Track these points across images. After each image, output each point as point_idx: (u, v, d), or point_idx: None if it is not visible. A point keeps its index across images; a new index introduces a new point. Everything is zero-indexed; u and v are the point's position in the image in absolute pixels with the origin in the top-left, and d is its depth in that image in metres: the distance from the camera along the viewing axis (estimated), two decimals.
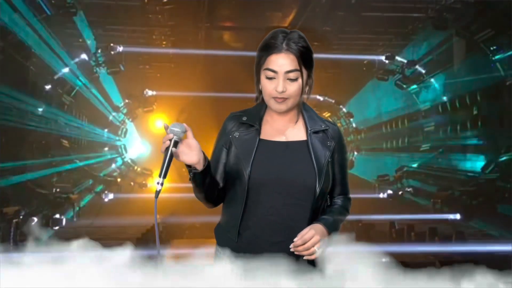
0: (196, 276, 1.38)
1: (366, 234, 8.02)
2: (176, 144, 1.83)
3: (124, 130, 10.07)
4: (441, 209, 8.47)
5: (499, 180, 7.67)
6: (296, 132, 2.06)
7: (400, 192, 9.39)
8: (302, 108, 2.10)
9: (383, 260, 1.54)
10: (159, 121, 10.35)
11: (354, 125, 10.21)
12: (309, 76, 2.03)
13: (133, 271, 1.39)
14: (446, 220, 8.21)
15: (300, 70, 1.98)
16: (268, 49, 1.98)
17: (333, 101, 10.27)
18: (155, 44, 9.20)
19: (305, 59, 2.00)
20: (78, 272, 1.36)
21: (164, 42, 9.22)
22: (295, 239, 1.90)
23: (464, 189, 8.30)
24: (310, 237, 1.89)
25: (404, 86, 9.44)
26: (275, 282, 1.39)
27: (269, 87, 1.98)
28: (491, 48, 7.92)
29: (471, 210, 8.00)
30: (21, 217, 7.09)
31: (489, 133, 8.09)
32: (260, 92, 2.02)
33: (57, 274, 1.36)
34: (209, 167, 1.92)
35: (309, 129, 2.03)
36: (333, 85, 10.06)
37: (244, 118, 2.04)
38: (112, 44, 8.73)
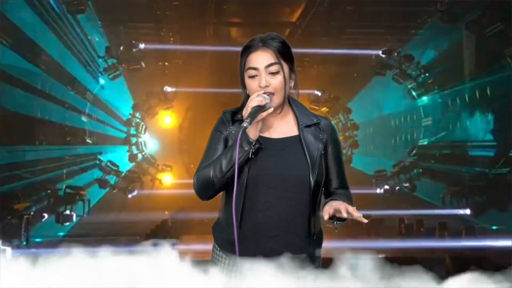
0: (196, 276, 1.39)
1: (375, 229, 8.01)
2: (263, 107, 1.96)
3: (144, 126, 10.16)
4: (451, 204, 8.42)
5: (509, 175, 7.61)
6: (288, 128, 2.10)
7: (397, 188, 9.31)
8: (292, 104, 2.13)
9: (379, 256, 1.53)
10: (167, 118, 10.37)
11: (352, 120, 10.12)
12: (291, 70, 2.07)
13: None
14: (456, 216, 8.16)
15: (280, 63, 2.02)
16: (247, 50, 2.06)
17: (332, 96, 10.19)
18: (163, 41, 9.22)
19: (283, 53, 2.04)
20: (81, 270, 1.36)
21: (171, 39, 9.23)
22: (348, 207, 1.90)
23: (474, 184, 8.24)
24: (336, 204, 1.92)
25: (401, 80, 9.40)
26: (274, 281, 1.39)
27: (253, 85, 2.03)
28: (501, 42, 7.84)
29: (481, 205, 7.95)
30: (32, 213, 7.17)
31: (498, 128, 8.02)
32: (247, 97, 2.05)
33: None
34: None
35: (301, 123, 2.08)
36: (331, 80, 10.00)
37: (239, 116, 2.07)
38: (133, 42, 8.84)
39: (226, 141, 2.07)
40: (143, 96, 9.93)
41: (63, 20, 7.97)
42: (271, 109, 1.99)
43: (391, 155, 9.76)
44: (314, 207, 2.03)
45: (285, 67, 2.05)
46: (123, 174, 9.55)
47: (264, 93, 2.00)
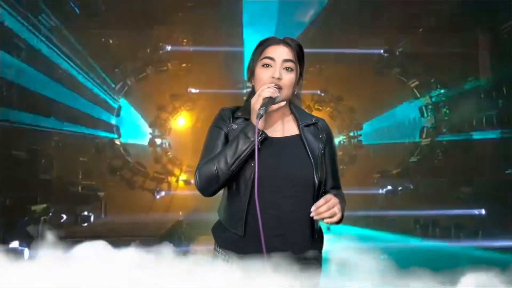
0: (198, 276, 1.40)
1: (390, 229, 7.96)
2: (274, 100, 1.97)
3: (169, 128, 10.24)
4: (464, 204, 8.30)
5: None
6: (289, 127, 2.11)
7: (399, 188, 9.20)
8: (291, 105, 2.16)
9: (382, 257, 1.53)
10: (180, 119, 10.42)
11: (356, 120, 10.04)
12: (300, 74, 2.10)
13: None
14: (470, 216, 8.06)
15: (296, 63, 2.05)
16: (266, 42, 2.07)
17: (335, 96, 10.09)
18: (176, 42, 9.28)
19: (300, 56, 2.07)
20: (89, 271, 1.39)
21: (185, 40, 9.28)
22: (316, 203, 1.90)
23: (488, 184, 8.13)
24: (330, 198, 1.93)
25: (404, 79, 9.33)
26: (277, 281, 1.39)
27: (265, 75, 2.02)
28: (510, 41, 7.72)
29: (496, 205, 7.83)
30: (50, 214, 7.27)
31: (508, 127, 7.89)
32: (253, 92, 2.06)
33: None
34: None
35: (301, 123, 2.10)
36: (335, 80, 9.91)
37: (240, 113, 2.09)
38: (160, 44, 8.95)
39: (226, 137, 2.06)
40: (167, 98, 10.00)
41: (84, 24, 8.10)
42: (283, 103, 2.00)
43: (395, 155, 9.67)
44: None
45: (298, 69, 2.08)
46: (150, 175, 9.65)
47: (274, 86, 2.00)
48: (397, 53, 9.16)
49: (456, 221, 7.75)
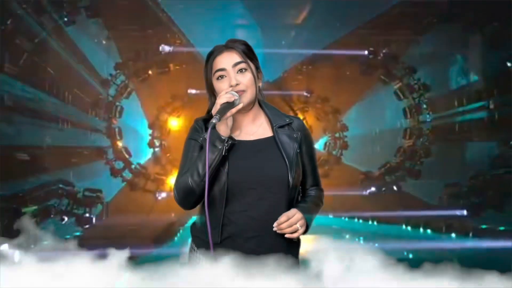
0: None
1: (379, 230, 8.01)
2: (232, 104, 1.98)
3: (168, 129, 10.22)
4: (447, 205, 8.34)
5: (508, 175, 7.54)
6: (262, 130, 2.14)
7: (383, 189, 9.20)
8: (263, 106, 2.17)
9: (369, 257, 1.56)
10: (174, 121, 10.41)
11: (341, 121, 10.04)
12: (257, 68, 2.13)
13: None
14: (453, 217, 8.10)
15: (247, 62, 2.08)
16: (211, 55, 2.12)
17: (321, 97, 10.05)
18: (176, 43, 9.27)
19: (247, 53, 2.11)
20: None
21: (178, 41, 9.28)
22: (279, 219, 1.97)
23: (471, 185, 8.18)
24: (293, 214, 1.99)
25: (387, 81, 9.37)
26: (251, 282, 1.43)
27: (223, 86, 2.07)
28: (497, 42, 7.77)
29: (478, 206, 7.89)
30: (51, 216, 7.28)
31: (496, 128, 7.95)
32: (213, 104, 2.06)
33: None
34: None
35: (274, 124, 2.12)
36: (319, 81, 9.90)
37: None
38: (162, 45, 8.94)
39: (201, 148, 2.07)
40: (168, 99, 9.99)
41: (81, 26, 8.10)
42: (241, 105, 2.02)
43: (379, 156, 9.68)
44: (291, 207, 2.06)
45: (252, 66, 2.10)
46: (152, 177, 9.64)
47: (236, 91, 2.03)
48: (381, 54, 9.18)
49: (445, 222, 7.81)
